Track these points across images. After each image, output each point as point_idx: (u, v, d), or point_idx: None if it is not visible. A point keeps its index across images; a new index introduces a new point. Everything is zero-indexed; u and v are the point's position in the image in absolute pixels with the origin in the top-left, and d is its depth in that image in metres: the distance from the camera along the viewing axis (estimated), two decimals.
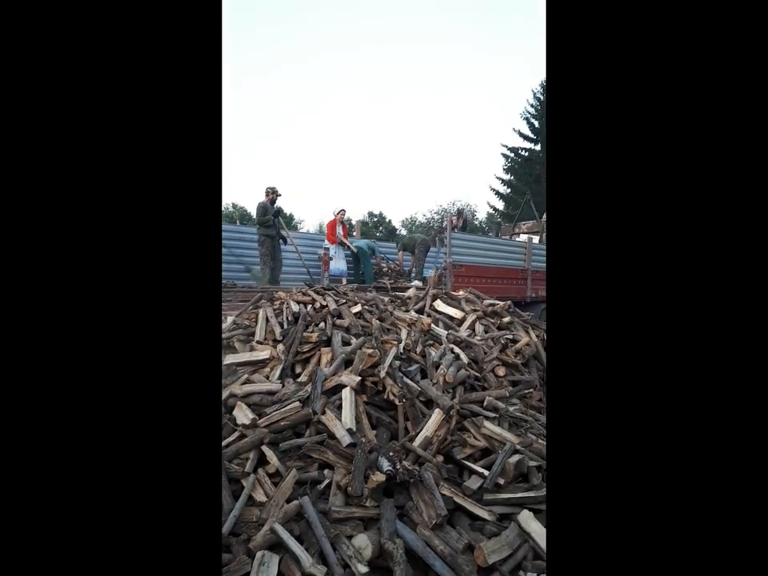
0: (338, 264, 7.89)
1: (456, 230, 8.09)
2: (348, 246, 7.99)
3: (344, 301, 3.58)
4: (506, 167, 23.07)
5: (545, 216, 10.19)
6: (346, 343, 3.00)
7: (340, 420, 2.31)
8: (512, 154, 22.82)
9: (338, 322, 3.26)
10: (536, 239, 9.58)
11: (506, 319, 4.12)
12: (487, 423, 2.72)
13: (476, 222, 24.15)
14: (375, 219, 31.04)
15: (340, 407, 2.45)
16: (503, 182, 22.95)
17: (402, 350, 3.06)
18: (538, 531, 2.05)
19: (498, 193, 23.02)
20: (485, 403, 2.90)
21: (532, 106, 22.61)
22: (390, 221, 31.42)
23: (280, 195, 6.92)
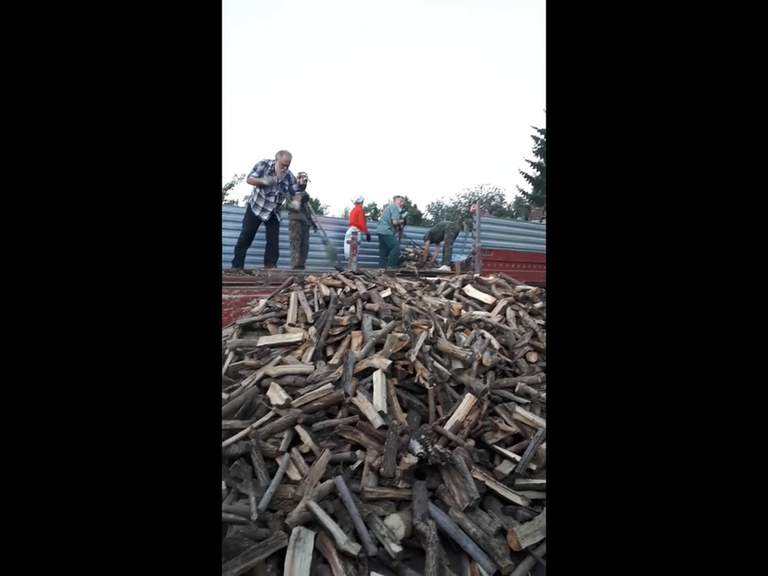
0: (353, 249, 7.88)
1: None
2: (366, 234, 7.95)
3: (373, 285, 3.58)
4: (535, 150, 22.46)
5: None
6: (376, 327, 3.00)
7: (371, 402, 2.32)
8: (542, 136, 22.17)
9: (368, 305, 3.26)
10: None
11: (539, 305, 4.04)
12: (519, 409, 2.69)
13: (504, 206, 23.67)
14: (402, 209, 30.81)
15: (371, 390, 2.46)
16: (532, 164, 22.37)
17: (431, 335, 3.04)
18: None
19: (527, 176, 22.48)
20: (516, 389, 2.87)
21: None
22: (415, 205, 31.15)
23: (310, 181, 6.91)
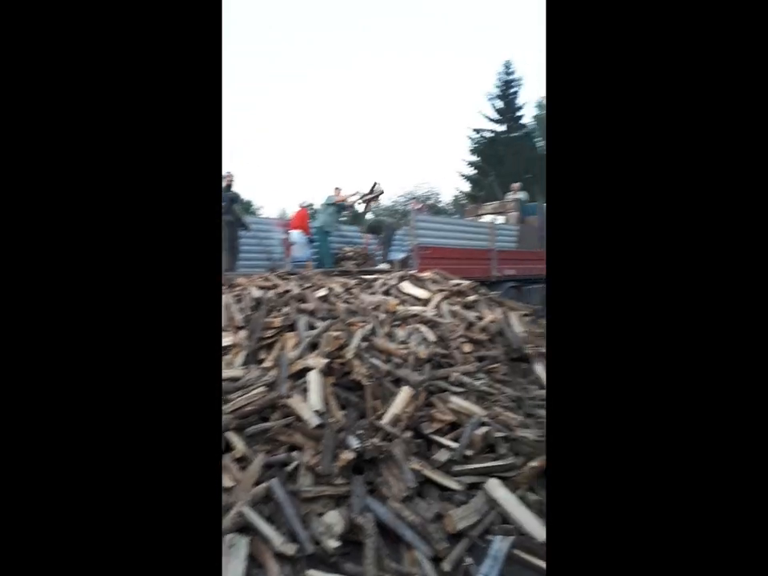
0: (302, 250, 7.78)
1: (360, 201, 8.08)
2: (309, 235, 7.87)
3: (308, 285, 3.55)
4: (471, 149, 23.20)
5: (508, 195, 10.34)
6: (311, 327, 2.98)
7: (307, 402, 2.31)
8: (477, 135, 22.95)
9: (303, 306, 3.23)
10: (500, 219, 9.73)
11: (472, 298, 4.19)
12: (454, 398, 2.77)
13: (440, 205, 24.28)
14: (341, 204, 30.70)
15: (307, 390, 2.44)
16: (469, 163, 23.09)
17: (368, 332, 3.07)
18: (505, 497, 2.12)
19: (463, 175, 23.17)
20: (451, 379, 2.96)
21: (496, 86, 22.73)
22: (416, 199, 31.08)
23: (233, 181, 6.70)
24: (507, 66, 22.57)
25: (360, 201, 8.24)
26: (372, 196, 8.33)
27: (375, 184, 8.48)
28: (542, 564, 1.76)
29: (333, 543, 1.71)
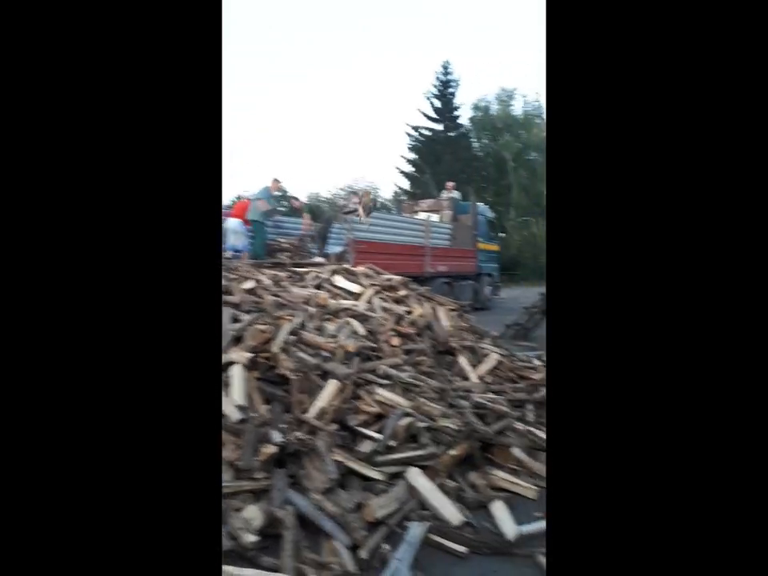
0: (239, 240, 7.54)
1: (359, 213, 8.07)
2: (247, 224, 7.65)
3: (234, 277, 3.46)
4: (410, 146, 23.54)
5: (443, 194, 10.61)
6: (235, 320, 2.91)
7: (229, 396, 2.26)
8: (416, 133, 23.31)
9: (228, 298, 3.14)
10: (435, 217, 9.98)
11: (402, 292, 4.28)
12: (380, 390, 2.83)
13: (381, 200, 24.47)
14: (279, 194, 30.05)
15: (229, 385, 2.38)
16: (408, 160, 23.42)
17: (297, 325, 3.04)
18: (424, 485, 2.21)
19: (402, 171, 23.47)
20: (379, 372, 3.02)
21: (434, 86, 23.19)
22: (295, 197, 30.54)
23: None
24: (445, 66, 23.11)
25: (356, 209, 8.06)
26: (363, 202, 8.21)
27: (363, 191, 8.37)
28: (457, 547, 1.86)
29: (250, 538, 1.69)
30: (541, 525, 2.04)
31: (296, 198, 9.54)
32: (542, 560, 1.79)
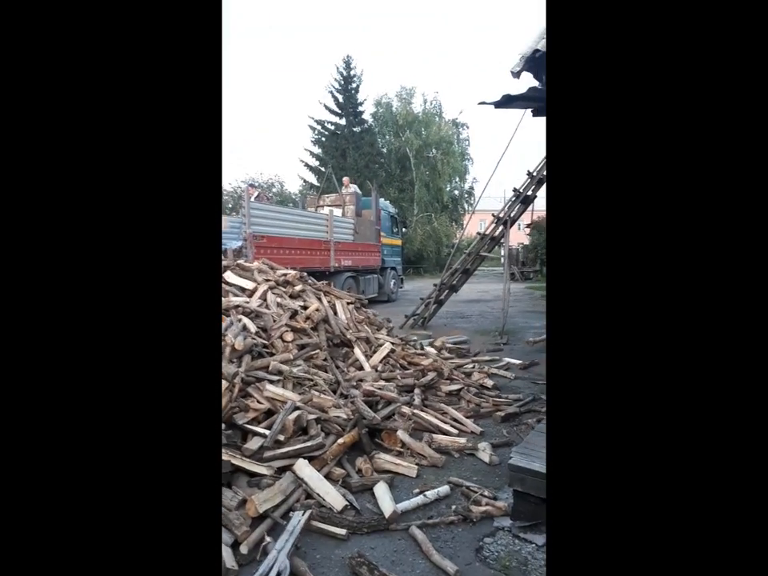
0: None
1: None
2: None
3: None
4: (313, 140, 23.27)
5: (344, 189, 10.68)
6: None
7: None
8: (319, 127, 23.09)
9: None
10: (338, 212, 10.02)
11: (298, 287, 4.27)
12: (270, 386, 2.82)
13: (286, 194, 23.91)
14: None
15: None
16: (312, 154, 23.13)
17: None
18: (310, 475, 2.26)
19: (306, 165, 23.13)
20: (270, 368, 3.00)
21: (336, 80, 23.11)
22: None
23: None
24: (347, 61, 23.14)
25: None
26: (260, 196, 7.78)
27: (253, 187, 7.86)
28: (338, 531, 1.94)
29: None
30: (417, 500, 2.20)
31: None
32: (416, 533, 1.94)
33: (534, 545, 1.93)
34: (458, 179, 26.69)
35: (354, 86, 23.25)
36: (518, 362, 5.04)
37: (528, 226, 19.97)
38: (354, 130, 23.12)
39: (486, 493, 2.27)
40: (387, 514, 2.01)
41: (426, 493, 2.24)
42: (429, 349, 4.70)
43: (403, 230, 15.51)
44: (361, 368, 3.72)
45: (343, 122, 23.16)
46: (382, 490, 2.20)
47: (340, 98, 23.08)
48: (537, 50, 3.34)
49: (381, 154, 24.14)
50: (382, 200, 12.15)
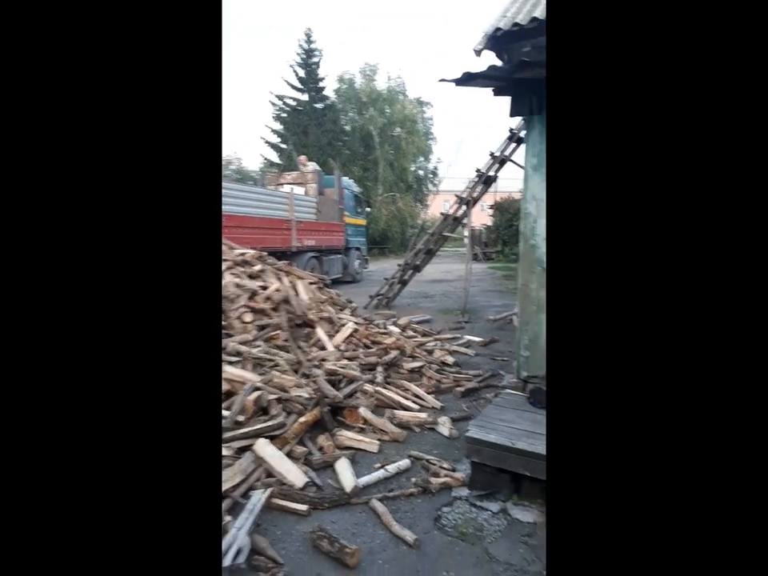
0: None
1: None
2: None
3: None
4: (274, 116, 22.55)
5: (302, 167, 10.44)
6: None
7: None
8: (280, 102, 22.37)
9: None
10: (300, 190, 9.82)
11: (257, 267, 4.18)
12: (228, 368, 2.78)
13: (245, 171, 23.21)
14: None
15: None
16: (273, 131, 22.44)
17: None
18: (271, 454, 2.25)
19: (267, 142, 22.45)
20: (228, 349, 2.95)
21: (298, 54, 22.36)
22: None
23: None
24: (308, 35, 22.40)
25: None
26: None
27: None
28: (299, 507, 1.96)
29: None
30: (378, 474, 2.24)
31: None
32: (377, 505, 1.98)
33: (489, 512, 2.01)
34: (422, 159, 26.64)
35: (315, 60, 22.57)
36: (478, 339, 5.17)
37: (491, 207, 20.31)
38: (316, 106, 22.54)
39: (445, 465, 2.34)
40: (348, 489, 2.04)
41: (387, 467, 2.29)
42: (392, 328, 4.73)
43: (367, 209, 15.38)
44: (323, 348, 3.71)
45: (306, 97, 22.52)
46: (343, 466, 2.23)
47: (301, 72, 22.39)
48: (498, 29, 3.32)
49: (344, 131, 23.71)
50: (345, 179, 12.00)
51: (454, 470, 2.30)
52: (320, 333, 3.84)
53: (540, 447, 2.00)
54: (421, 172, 26.98)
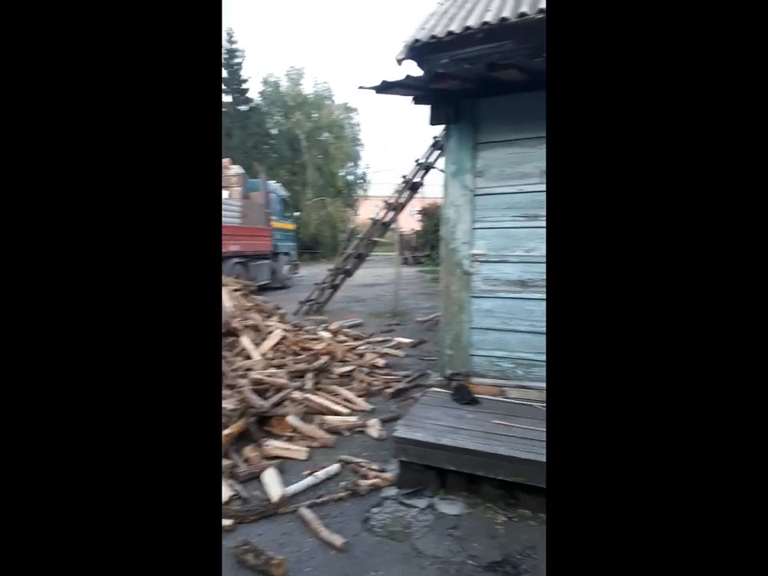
0: None
1: None
2: None
3: None
4: None
5: (231, 169, 10.11)
6: None
7: None
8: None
9: None
10: (224, 194, 9.47)
11: None
12: None
13: None
14: None
15: None
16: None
17: None
18: None
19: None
20: None
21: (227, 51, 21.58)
22: None
23: None
24: (230, 34, 21.72)
25: None
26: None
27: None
28: (225, 522, 1.88)
29: None
30: (307, 481, 2.22)
31: None
32: (305, 513, 1.96)
33: (417, 508, 2.06)
34: (351, 164, 26.75)
35: (237, 61, 21.91)
36: (408, 340, 5.28)
37: (419, 212, 20.83)
38: (240, 108, 21.88)
39: (374, 466, 2.37)
40: (275, 499, 1.99)
41: (316, 473, 2.27)
42: (323, 333, 4.70)
43: (296, 213, 15.16)
44: (249, 357, 3.60)
45: (229, 99, 21.79)
46: (269, 476, 2.18)
47: (224, 73, 21.64)
48: (417, 40, 3.44)
49: (270, 135, 23.23)
50: (272, 182, 11.75)
51: (383, 471, 2.34)
52: (245, 341, 3.73)
53: (463, 441, 2.09)
54: (350, 177, 27.08)
